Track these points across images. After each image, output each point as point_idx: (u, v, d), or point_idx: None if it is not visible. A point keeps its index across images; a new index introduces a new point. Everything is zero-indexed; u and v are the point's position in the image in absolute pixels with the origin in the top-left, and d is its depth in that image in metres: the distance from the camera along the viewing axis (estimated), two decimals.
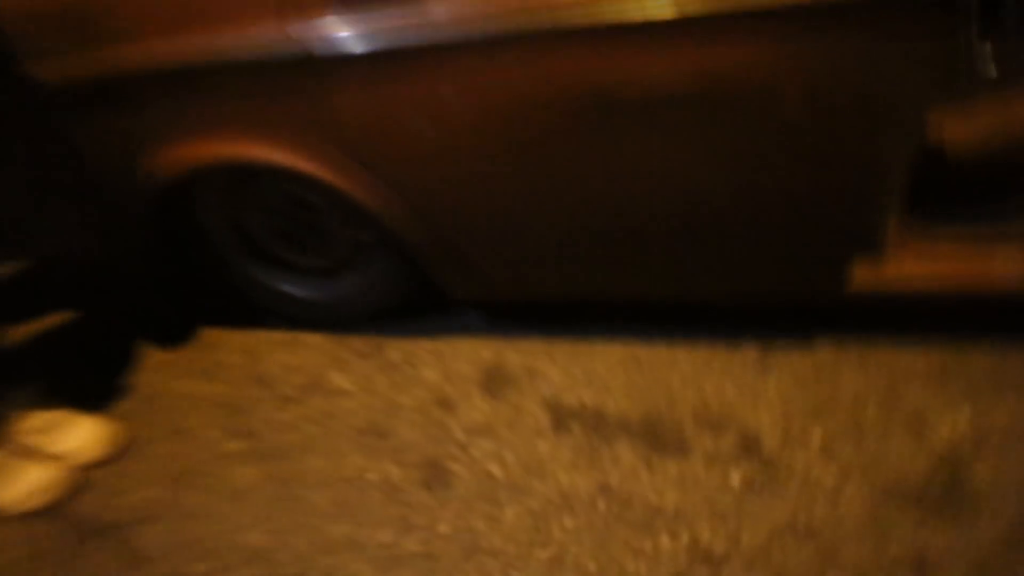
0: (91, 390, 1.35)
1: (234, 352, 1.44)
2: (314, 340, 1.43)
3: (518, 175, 1.04)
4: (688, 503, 1.01)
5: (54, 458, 1.19)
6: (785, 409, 1.13)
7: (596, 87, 0.91)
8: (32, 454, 1.18)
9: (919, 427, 1.06)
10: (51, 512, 1.15)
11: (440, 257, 1.20)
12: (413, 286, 1.36)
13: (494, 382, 1.27)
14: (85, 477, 1.19)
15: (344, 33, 0.94)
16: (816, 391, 1.15)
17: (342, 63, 0.96)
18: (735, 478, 1.03)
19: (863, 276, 1.03)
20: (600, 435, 1.14)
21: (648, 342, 1.30)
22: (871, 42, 0.80)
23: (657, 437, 1.12)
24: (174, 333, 1.49)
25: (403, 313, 1.44)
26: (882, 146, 0.88)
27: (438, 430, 1.19)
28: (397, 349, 1.38)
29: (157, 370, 1.41)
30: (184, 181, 1.18)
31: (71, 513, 1.15)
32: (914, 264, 1.03)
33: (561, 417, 1.18)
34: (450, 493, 1.08)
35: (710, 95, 0.87)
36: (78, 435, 1.22)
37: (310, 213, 1.29)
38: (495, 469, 1.11)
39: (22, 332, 1.46)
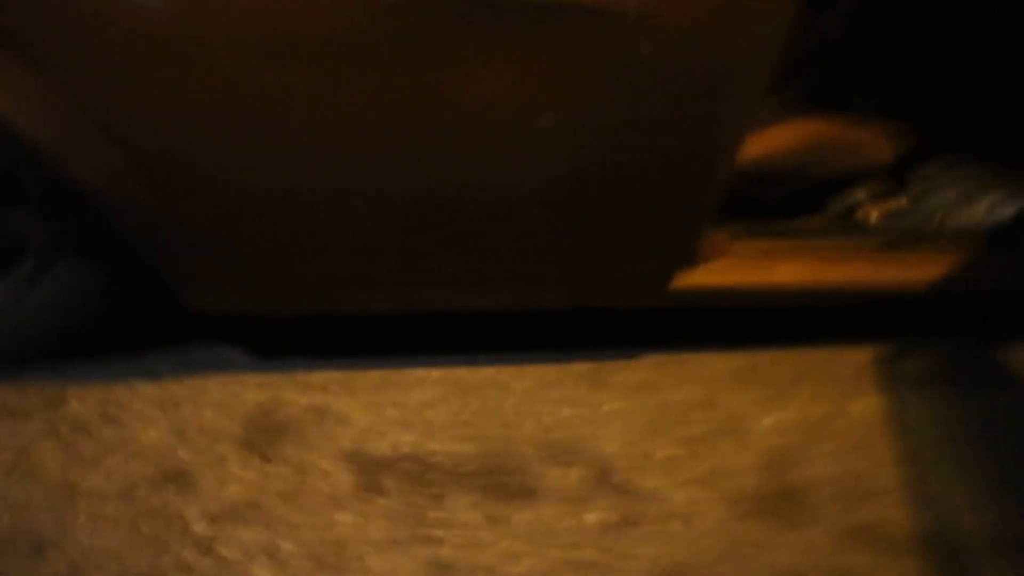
0: None
1: None
2: None
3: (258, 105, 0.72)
4: (543, 563, 0.82)
5: None
6: (623, 428, 1.02)
7: None
8: None
9: (739, 430, 1.05)
10: None
11: (162, 227, 0.79)
12: (121, 298, 0.91)
13: (264, 435, 0.91)
14: None
15: None
16: (646, 405, 1.07)
17: None
18: (591, 519, 0.88)
19: (681, 279, 1.03)
20: (425, 491, 0.88)
21: (472, 365, 1.10)
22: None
23: (499, 483, 0.91)
24: None
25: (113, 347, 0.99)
26: (716, 136, 0.85)
27: (159, 526, 0.78)
28: (89, 400, 0.90)
29: None
30: None
31: None
32: (720, 270, 1.06)
33: (369, 473, 0.89)
34: None
35: None
36: None
37: None
38: (262, 574, 0.77)
39: None
